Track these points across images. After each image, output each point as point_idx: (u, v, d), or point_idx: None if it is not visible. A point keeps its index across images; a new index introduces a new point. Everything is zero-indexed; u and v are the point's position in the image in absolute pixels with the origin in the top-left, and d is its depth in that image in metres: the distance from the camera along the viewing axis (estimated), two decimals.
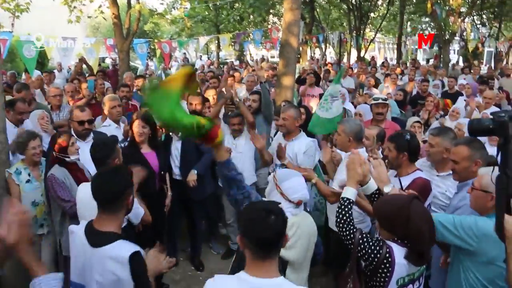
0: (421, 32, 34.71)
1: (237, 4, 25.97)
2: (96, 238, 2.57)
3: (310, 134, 5.63)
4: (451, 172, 3.86)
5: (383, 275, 2.59)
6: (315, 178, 4.28)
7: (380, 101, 5.96)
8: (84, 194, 3.58)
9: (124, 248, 2.53)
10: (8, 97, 6.35)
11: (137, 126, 4.95)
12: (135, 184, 3.77)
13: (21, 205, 2.77)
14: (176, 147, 5.54)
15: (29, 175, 4.61)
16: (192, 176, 5.29)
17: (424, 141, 5.12)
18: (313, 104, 8.58)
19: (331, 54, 34.61)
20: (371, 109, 6.17)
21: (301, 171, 4.02)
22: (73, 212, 3.96)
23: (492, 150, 3.87)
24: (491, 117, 2.33)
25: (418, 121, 6.36)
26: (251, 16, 27.17)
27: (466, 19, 24.30)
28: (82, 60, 11.97)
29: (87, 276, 2.57)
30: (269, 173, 5.25)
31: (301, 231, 2.90)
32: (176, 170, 5.55)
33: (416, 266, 2.69)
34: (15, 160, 4.85)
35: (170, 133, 5.55)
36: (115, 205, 2.65)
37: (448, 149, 3.91)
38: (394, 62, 24.21)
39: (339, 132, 4.46)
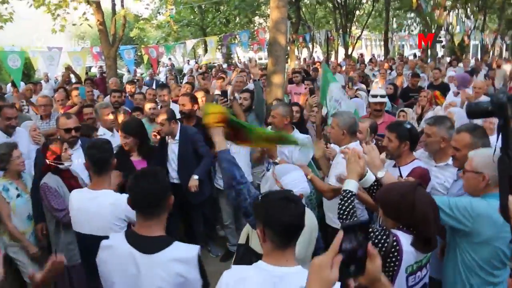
0: (406, 27, 35.01)
1: (222, 7, 25.97)
2: (149, 244, 2.46)
3: (303, 131, 5.59)
4: (449, 162, 3.85)
5: (392, 264, 2.55)
6: (310, 174, 4.21)
7: (378, 99, 5.99)
8: (77, 201, 3.49)
9: (188, 249, 2.49)
10: None
11: (119, 136, 4.90)
12: (114, 187, 3.77)
13: (62, 256, 2.68)
14: (172, 150, 5.47)
15: (17, 189, 4.43)
16: (194, 181, 5.21)
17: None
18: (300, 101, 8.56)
19: (317, 53, 34.63)
20: (369, 105, 6.17)
21: None
22: (67, 221, 3.86)
23: None
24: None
25: (403, 110, 6.39)
26: (237, 18, 27.15)
27: (451, 13, 24.47)
28: (69, 69, 11.84)
29: (142, 286, 2.45)
30: (265, 171, 5.23)
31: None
32: (173, 174, 5.47)
33: (423, 253, 2.66)
34: None
35: (166, 137, 5.49)
36: (160, 208, 2.54)
37: (445, 139, 3.87)
38: (382, 58, 24.29)
39: (332, 126, 4.40)
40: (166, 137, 5.51)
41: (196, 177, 5.23)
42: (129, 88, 9.57)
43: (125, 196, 3.41)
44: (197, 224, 5.82)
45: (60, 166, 4.23)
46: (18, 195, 4.41)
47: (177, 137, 5.42)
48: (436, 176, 4.01)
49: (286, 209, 2.12)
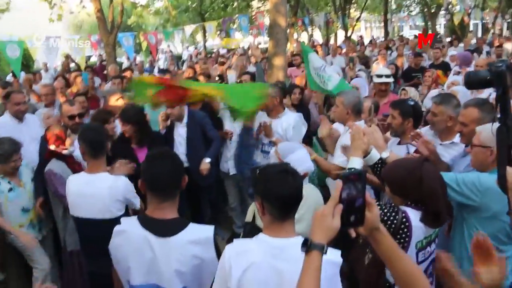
0: (406, 8, 34.74)
1: None
2: (164, 227, 2.44)
3: (304, 112, 5.64)
4: (454, 140, 3.84)
5: (402, 240, 2.54)
6: (314, 154, 4.20)
7: (384, 79, 6.00)
8: (74, 185, 3.51)
9: (203, 229, 2.48)
10: None
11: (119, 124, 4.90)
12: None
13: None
14: (179, 134, 5.43)
15: (9, 183, 4.41)
16: (206, 164, 5.21)
17: None
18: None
19: (313, 37, 34.46)
20: (373, 86, 6.17)
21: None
22: None
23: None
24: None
25: (403, 89, 6.37)
26: (235, 3, 26.92)
27: None
28: (68, 57, 11.83)
29: (160, 271, 2.43)
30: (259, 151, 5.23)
31: (308, 203, 2.85)
32: (181, 157, 5.43)
33: (433, 228, 2.66)
34: None
35: (172, 121, 5.46)
36: (175, 191, 2.53)
37: (452, 117, 3.84)
38: (382, 40, 24.14)
39: (337, 104, 4.38)
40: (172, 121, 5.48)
41: (208, 160, 5.23)
42: (129, 74, 9.50)
43: (123, 179, 3.47)
44: (204, 207, 5.85)
45: (64, 152, 4.23)
46: (10, 189, 4.39)
47: (185, 121, 5.40)
48: (441, 154, 3.93)
49: (284, 182, 2.13)
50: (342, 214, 1.67)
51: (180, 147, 5.43)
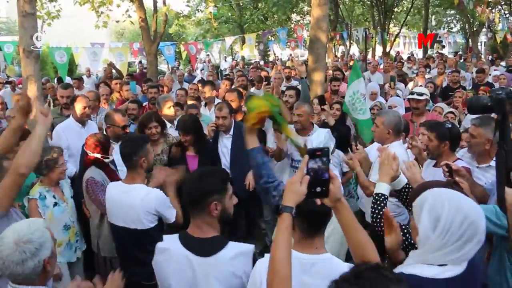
0: (446, 25, 34.26)
1: (260, 4, 26.03)
2: (204, 246, 2.46)
3: (344, 127, 5.68)
4: (491, 164, 3.77)
5: None
6: (358, 167, 4.17)
7: (415, 96, 5.90)
8: (112, 193, 3.64)
9: (244, 245, 2.54)
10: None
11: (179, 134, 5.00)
12: (172, 183, 3.82)
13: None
14: (224, 145, 5.45)
15: (54, 197, 4.03)
16: (251, 176, 5.09)
17: None
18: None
19: (351, 52, 34.34)
20: (409, 103, 6.13)
21: (348, 157, 4.23)
22: None
23: None
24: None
25: (451, 112, 6.27)
26: (275, 15, 27.17)
27: (494, 9, 23.84)
28: (111, 65, 12.16)
29: None
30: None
31: (334, 225, 2.86)
32: (224, 168, 5.50)
33: None
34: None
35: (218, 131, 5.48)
36: (200, 209, 2.49)
37: (490, 140, 3.78)
38: (420, 56, 23.91)
39: (377, 124, 4.39)
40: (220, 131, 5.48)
41: None
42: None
43: (156, 191, 3.50)
44: (239, 218, 5.84)
45: (105, 160, 4.28)
46: (55, 204, 4.01)
47: (230, 132, 5.41)
48: (478, 177, 3.90)
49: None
50: (309, 184, 1.96)
51: (223, 158, 5.44)
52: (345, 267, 2.13)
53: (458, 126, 6.12)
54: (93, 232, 4.29)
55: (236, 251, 2.47)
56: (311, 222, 2.20)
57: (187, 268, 2.46)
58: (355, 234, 2.09)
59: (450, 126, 3.99)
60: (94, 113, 6.90)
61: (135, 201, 3.43)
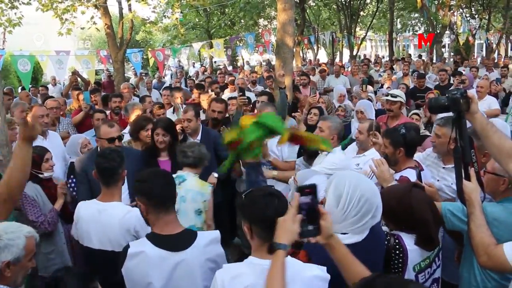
0: (411, 28, 34.96)
1: (227, 9, 26.03)
2: (176, 242, 2.61)
3: None
4: None
5: (396, 265, 2.58)
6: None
7: (389, 97, 5.84)
8: (85, 213, 3.31)
9: (210, 232, 2.81)
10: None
11: (158, 134, 4.83)
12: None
13: None
14: None
15: None
16: (213, 179, 5.02)
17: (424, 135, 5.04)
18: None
19: (318, 56, 34.67)
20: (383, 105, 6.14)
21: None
22: (43, 231, 3.87)
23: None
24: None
25: (416, 113, 6.30)
26: (242, 21, 27.20)
27: (456, 12, 24.44)
28: (75, 73, 11.92)
29: (179, 284, 2.60)
30: None
31: None
32: None
33: (428, 250, 2.69)
34: None
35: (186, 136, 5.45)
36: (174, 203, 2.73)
37: (454, 139, 3.84)
38: (386, 59, 24.29)
39: (323, 128, 4.36)
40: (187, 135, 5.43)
41: (216, 175, 5.06)
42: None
43: (135, 210, 3.16)
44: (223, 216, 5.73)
45: (40, 176, 4.15)
46: None
47: (198, 137, 5.34)
48: (444, 178, 3.95)
49: (270, 204, 2.18)
50: (302, 222, 2.02)
51: None
52: (306, 268, 2.23)
53: (430, 126, 6.19)
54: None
55: (207, 239, 2.67)
56: (268, 229, 2.15)
57: (165, 265, 2.56)
58: (351, 268, 2.10)
59: (404, 131, 3.83)
60: (56, 121, 6.74)
61: (113, 220, 3.17)
